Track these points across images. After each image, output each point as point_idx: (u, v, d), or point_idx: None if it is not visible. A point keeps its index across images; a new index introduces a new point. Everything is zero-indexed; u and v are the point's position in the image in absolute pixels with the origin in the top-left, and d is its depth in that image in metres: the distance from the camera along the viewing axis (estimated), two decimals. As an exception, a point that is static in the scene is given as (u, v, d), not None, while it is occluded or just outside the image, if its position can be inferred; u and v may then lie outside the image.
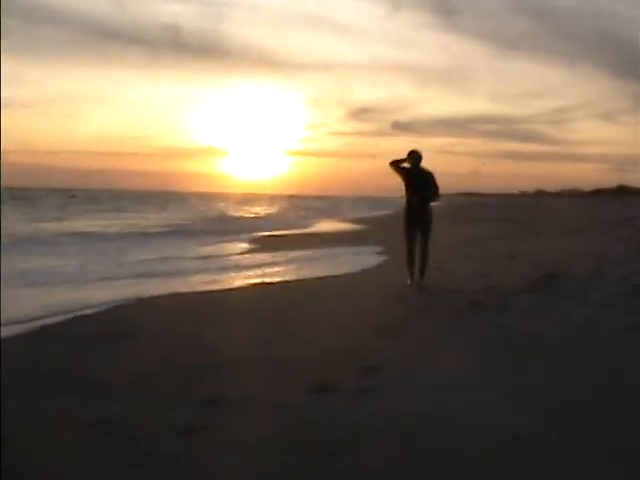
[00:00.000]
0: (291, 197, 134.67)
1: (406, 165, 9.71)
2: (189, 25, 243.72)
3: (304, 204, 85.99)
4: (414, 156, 9.66)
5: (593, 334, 6.34)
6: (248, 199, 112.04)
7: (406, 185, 9.76)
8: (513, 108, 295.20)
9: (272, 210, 62.76)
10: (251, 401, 4.46)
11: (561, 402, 4.37)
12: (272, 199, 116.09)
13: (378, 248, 16.48)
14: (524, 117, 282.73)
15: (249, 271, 13.06)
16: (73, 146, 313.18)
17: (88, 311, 8.14)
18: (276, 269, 13.38)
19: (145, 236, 24.23)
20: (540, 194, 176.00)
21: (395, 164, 9.74)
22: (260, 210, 61.95)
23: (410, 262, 9.74)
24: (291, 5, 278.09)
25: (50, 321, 7.42)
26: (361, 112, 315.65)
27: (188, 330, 6.91)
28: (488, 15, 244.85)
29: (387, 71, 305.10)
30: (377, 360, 5.39)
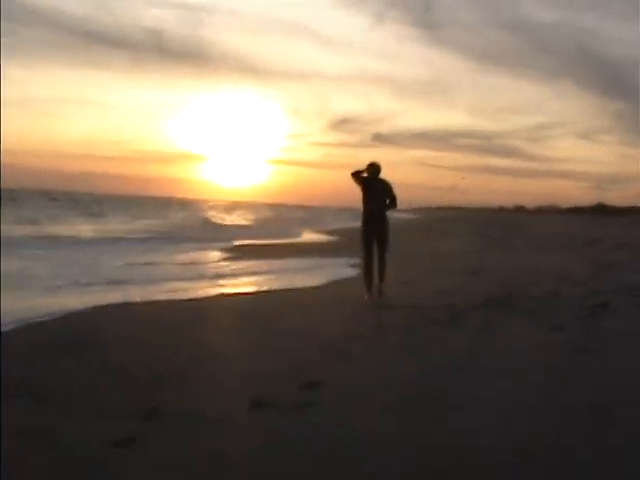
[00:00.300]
0: (272, 206, 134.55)
1: (365, 175, 10.16)
2: (172, 30, 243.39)
3: (286, 213, 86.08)
4: (373, 168, 10.16)
5: (538, 355, 6.43)
6: (229, 206, 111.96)
7: (365, 195, 10.16)
8: (493, 123, 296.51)
9: (253, 218, 62.87)
10: (186, 415, 4.53)
11: (489, 418, 4.47)
12: (253, 207, 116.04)
13: (353, 260, 16.53)
14: (504, 132, 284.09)
15: (217, 280, 13.18)
16: (55, 148, 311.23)
17: (46, 318, 8.17)
18: (245, 280, 13.49)
19: (122, 241, 24.29)
20: (519, 210, 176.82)
21: (356, 175, 10.18)
22: (241, 218, 62.07)
23: (368, 273, 10.12)
24: (273, 13, 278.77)
25: (5, 328, 7.44)
26: (342, 123, 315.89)
27: (142, 339, 6.97)
28: (470, 29, 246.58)
29: (369, 83, 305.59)
30: (317, 377, 5.46)
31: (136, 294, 10.63)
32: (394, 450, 3.90)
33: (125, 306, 9.23)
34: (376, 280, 10.08)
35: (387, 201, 10.25)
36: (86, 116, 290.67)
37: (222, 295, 10.84)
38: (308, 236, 34.12)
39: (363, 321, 8.08)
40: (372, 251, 10.14)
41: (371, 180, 10.15)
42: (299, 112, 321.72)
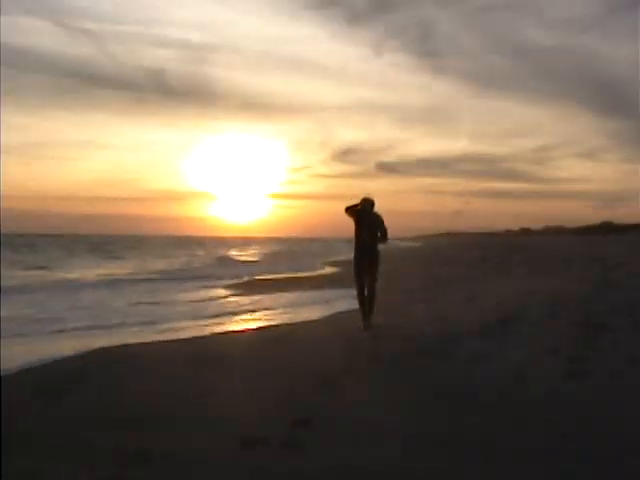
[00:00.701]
0: (282, 240, 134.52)
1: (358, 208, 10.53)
2: (173, 69, 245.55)
3: (298, 246, 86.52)
4: (366, 202, 10.52)
5: (529, 382, 6.44)
6: (241, 242, 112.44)
7: (358, 228, 10.55)
8: (496, 147, 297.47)
9: (270, 253, 63.83)
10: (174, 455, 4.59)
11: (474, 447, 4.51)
12: (264, 242, 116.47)
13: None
14: (507, 156, 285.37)
15: (224, 317, 13.30)
16: (60, 191, 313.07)
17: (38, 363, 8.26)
18: (250, 316, 13.56)
19: (143, 282, 24.72)
20: (526, 232, 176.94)
21: (349, 209, 10.60)
22: (256, 253, 63.14)
23: (362, 302, 10.43)
24: (274, 48, 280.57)
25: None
26: (345, 154, 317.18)
27: (133, 382, 7.02)
28: (470, 55, 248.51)
29: (370, 113, 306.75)
30: (308, 413, 5.51)
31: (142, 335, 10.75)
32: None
33: (125, 348, 9.30)
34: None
35: (378, 234, 10.52)
36: (91, 159, 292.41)
37: (224, 333, 10.90)
38: (321, 268, 34.51)
39: (357, 354, 8.06)
40: (364, 282, 10.46)
41: (364, 214, 10.48)
42: (302, 145, 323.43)
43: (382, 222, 10.56)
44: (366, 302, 10.38)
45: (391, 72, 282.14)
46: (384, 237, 10.59)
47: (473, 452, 4.51)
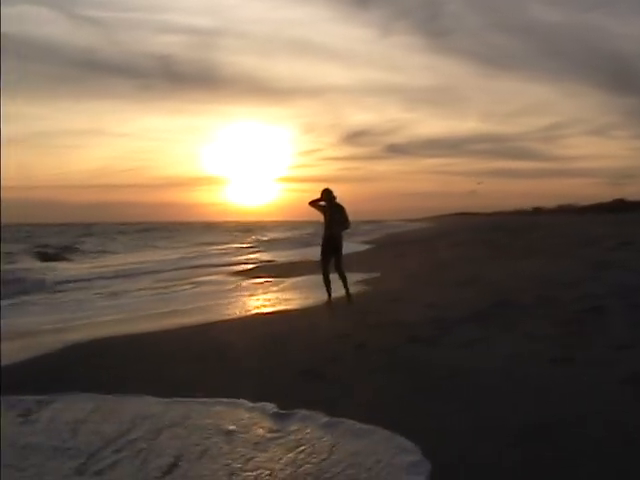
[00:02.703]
0: (298, 223, 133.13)
1: (322, 203, 11.98)
2: (180, 55, 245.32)
3: (313, 229, 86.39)
4: (328, 194, 11.97)
5: (517, 368, 6.47)
6: (259, 227, 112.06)
7: (326, 218, 12.02)
8: (505, 126, 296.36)
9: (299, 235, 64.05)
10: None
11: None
12: (284, 226, 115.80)
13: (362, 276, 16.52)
14: (517, 135, 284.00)
15: (229, 300, 13.30)
16: (71, 180, 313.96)
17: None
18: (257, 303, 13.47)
19: None
20: (537, 211, 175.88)
21: (313, 203, 12.07)
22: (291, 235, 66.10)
23: (327, 281, 11.93)
24: (281, 31, 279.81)
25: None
26: (354, 136, 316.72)
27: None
28: (477, 35, 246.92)
29: (379, 94, 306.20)
30: (289, 403, 5.57)
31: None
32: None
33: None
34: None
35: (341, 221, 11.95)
36: (99, 147, 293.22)
37: (219, 321, 10.89)
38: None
39: (346, 342, 8.09)
40: (329, 263, 11.96)
41: (329, 206, 11.96)
42: (311, 128, 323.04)
43: (343, 210, 11.98)
44: (342, 281, 11.87)
45: (399, 53, 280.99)
46: (347, 223, 12.08)
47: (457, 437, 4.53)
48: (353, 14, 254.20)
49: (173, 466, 4.38)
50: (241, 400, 5.79)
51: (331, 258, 11.94)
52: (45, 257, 36.83)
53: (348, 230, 12.30)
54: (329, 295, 11.94)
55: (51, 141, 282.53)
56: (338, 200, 12.06)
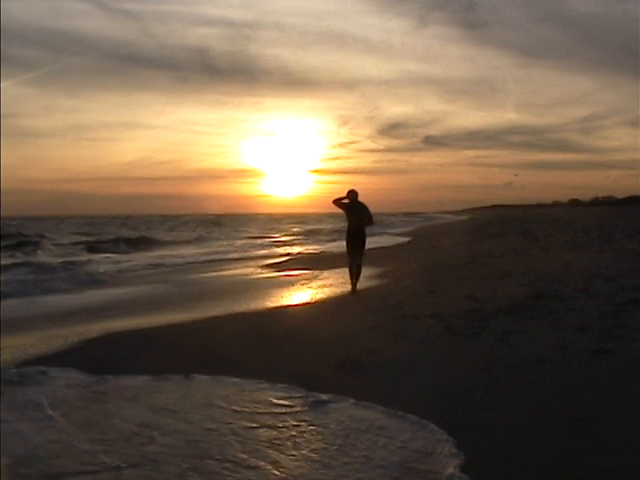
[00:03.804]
0: (338, 215, 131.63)
1: (346, 201, 12.71)
2: (216, 48, 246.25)
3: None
4: (353, 194, 12.68)
5: (556, 360, 6.42)
6: (309, 218, 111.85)
7: (348, 217, 12.90)
8: (542, 118, 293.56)
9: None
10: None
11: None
12: (326, 217, 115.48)
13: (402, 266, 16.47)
14: (554, 126, 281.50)
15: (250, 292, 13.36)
16: (107, 173, 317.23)
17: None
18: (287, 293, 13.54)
19: None
20: (574, 203, 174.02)
21: (337, 201, 12.79)
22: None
23: (352, 274, 12.73)
24: (316, 23, 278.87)
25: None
26: (391, 128, 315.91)
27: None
28: (513, 25, 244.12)
29: (416, 86, 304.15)
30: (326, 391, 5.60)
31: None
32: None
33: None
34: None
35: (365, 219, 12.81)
36: (135, 139, 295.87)
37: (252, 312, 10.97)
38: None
39: (384, 333, 8.09)
40: (354, 258, 12.79)
41: (352, 205, 12.70)
42: (347, 120, 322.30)
43: (367, 209, 12.80)
44: (356, 273, 12.69)
45: (435, 44, 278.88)
46: (370, 221, 12.92)
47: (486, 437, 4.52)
48: (389, 5, 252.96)
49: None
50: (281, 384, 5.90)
51: (356, 251, 12.78)
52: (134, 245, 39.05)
53: (373, 225, 13.30)
54: (353, 285, 12.69)
55: (88, 134, 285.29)
56: (360, 199, 12.80)
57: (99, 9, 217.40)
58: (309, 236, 50.24)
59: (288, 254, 28.25)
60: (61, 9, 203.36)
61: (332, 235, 47.68)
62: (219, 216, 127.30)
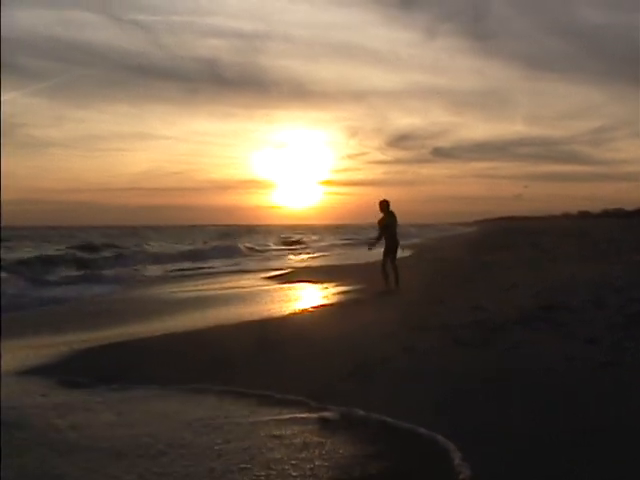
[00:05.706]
0: (349, 226, 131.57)
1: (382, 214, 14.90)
2: (226, 59, 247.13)
3: (372, 232, 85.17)
4: (386, 205, 14.88)
5: (565, 371, 6.43)
6: (320, 229, 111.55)
7: (388, 229, 14.86)
8: (551, 130, 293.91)
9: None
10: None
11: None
12: (336, 229, 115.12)
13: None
14: (563, 138, 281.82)
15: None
16: (117, 183, 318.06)
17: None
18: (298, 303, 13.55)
19: None
20: (584, 215, 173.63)
21: (381, 223, 14.94)
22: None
23: (385, 274, 14.69)
24: (326, 35, 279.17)
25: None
26: (400, 140, 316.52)
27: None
28: (522, 37, 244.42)
29: (424, 98, 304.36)
30: (336, 402, 5.62)
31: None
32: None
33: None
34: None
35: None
36: (146, 150, 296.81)
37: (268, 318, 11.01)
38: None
39: (394, 344, 8.08)
40: (388, 260, 14.86)
41: (389, 219, 14.88)
42: (356, 131, 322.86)
43: (395, 219, 15.04)
44: (394, 273, 14.58)
45: (444, 56, 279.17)
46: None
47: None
48: (397, 17, 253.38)
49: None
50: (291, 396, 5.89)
51: (390, 256, 14.82)
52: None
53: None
54: (387, 284, 14.53)
55: (98, 144, 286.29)
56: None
57: (109, 20, 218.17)
58: (314, 247, 50.21)
59: (293, 266, 28.18)
60: (71, 20, 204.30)
61: (339, 247, 47.67)
62: (228, 226, 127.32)
